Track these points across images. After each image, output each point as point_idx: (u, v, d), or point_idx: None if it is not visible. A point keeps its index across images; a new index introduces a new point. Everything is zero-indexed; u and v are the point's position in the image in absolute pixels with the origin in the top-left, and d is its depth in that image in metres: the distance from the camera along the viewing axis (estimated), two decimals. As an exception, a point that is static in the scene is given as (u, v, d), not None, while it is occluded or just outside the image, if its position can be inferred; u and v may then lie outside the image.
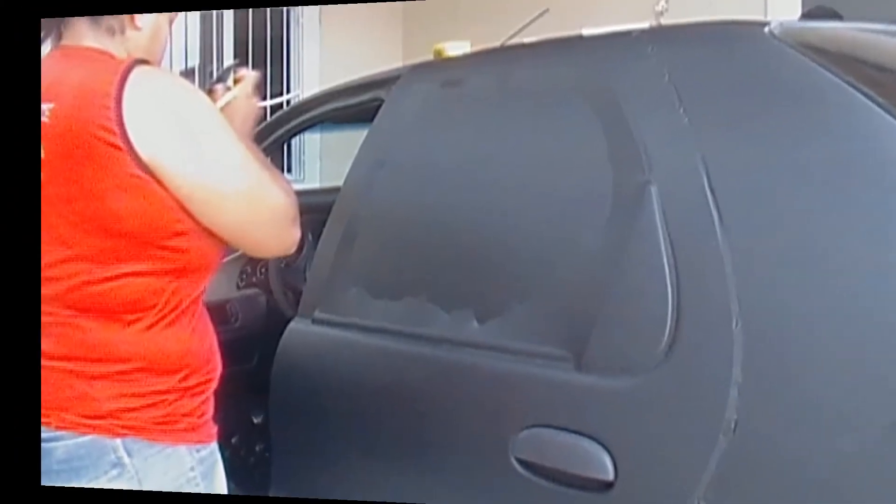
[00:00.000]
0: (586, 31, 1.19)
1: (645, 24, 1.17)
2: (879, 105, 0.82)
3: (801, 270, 0.86)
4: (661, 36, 1.09)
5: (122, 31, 1.13)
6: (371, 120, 1.39)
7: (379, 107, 1.39)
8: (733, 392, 0.87)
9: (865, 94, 0.83)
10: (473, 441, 1.07)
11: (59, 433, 1.07)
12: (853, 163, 0.85)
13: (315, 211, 1.37)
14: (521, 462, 1.00)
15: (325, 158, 4.28)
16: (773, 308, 0.87)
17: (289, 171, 4.38)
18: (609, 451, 0.94)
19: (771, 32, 0.96)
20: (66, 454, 1.07)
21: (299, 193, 1.24)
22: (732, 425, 0.86)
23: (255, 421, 1.57)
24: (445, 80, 1.33)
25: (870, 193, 0.83)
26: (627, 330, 0.96)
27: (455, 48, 1.41)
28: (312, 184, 4.15)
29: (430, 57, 1.47)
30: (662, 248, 0.94)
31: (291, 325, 1.35)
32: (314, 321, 1.32)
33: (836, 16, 1.98)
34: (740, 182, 0.91)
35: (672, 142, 0.96)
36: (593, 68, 1.09)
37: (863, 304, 0.82)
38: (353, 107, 1.59)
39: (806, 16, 2.32)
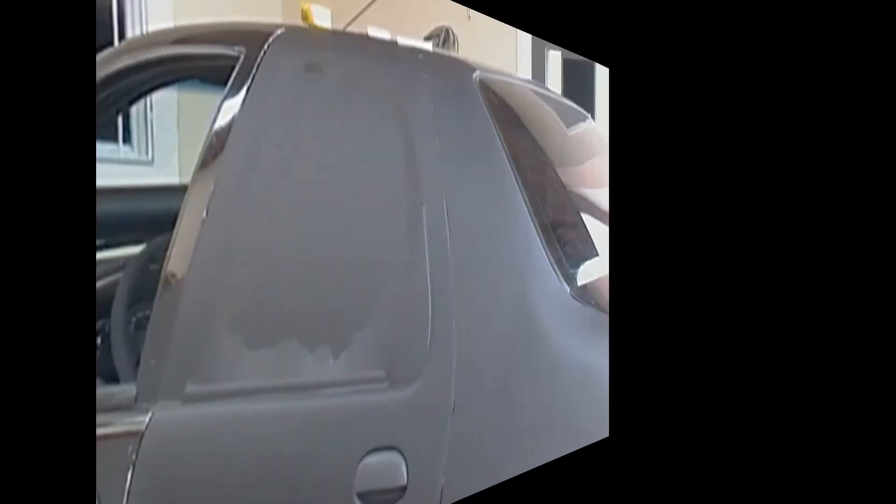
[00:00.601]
0: (372, 31, 1.23)
1: (429, 46, 1.26)
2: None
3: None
4: (431, 62, 1.20)
5: None
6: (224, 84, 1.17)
7: (231, 69, 1.17)
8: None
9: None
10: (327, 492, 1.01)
11: None
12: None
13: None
14: (359, 496, 0.98)
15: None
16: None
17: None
18: (405, 459, 0.97)
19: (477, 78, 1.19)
20: None
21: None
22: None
23: None
24: (309, 64, 1.17)
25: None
26: (413, 341, 1.03)
27: (320, 16, 1.26)
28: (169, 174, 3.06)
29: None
30: (427, 265, 1.04)
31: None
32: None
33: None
34: (459, 206, 1.06)
35: (432, 166, 1.08)
36: (397, 82, 1.16)
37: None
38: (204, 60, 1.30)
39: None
